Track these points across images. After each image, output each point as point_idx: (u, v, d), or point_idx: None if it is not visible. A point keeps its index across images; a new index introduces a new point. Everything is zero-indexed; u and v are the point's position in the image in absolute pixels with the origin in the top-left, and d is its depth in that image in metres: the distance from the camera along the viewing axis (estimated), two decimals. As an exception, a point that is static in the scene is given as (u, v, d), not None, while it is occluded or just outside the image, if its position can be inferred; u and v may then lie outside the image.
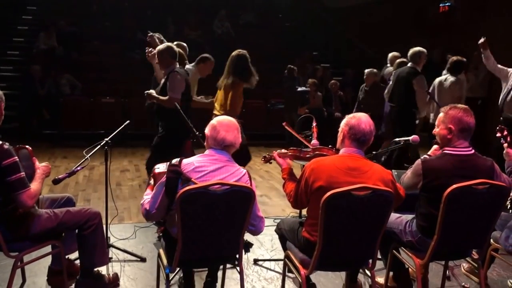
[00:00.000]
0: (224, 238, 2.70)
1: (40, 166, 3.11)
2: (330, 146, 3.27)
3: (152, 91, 4.81)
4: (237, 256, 2.84)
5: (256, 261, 3.95)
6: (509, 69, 5.80)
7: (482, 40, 5.85)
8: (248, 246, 2.98)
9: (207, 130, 2.79)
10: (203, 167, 2.65)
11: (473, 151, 2.95)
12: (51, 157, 7.71)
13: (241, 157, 4.15)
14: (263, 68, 9.79)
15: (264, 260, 3.97)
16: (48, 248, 3.19)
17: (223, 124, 2.76)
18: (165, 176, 2.66)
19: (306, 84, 9.63)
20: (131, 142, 8.79)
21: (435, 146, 3.21)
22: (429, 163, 2.93)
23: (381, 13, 12.61)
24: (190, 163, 2.67)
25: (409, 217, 3.18)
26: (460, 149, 2.92)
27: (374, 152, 3.67)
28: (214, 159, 2.70)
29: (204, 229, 2.61)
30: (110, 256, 3.87)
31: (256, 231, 2.87)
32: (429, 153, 3.23)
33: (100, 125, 8.78)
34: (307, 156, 3.24)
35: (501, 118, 5.62)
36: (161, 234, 2.94)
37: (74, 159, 6.97)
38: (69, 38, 11.52)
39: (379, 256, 3.40)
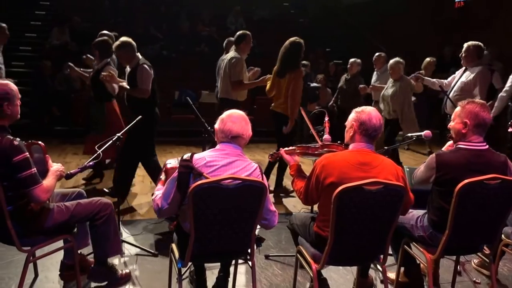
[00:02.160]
0: (236, 232, 2.74)
1: (55, 165, 3.15)
2: (339, 142, 3.30)
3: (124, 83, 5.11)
4: (249, 250, 2.89)
5: (267, 257, 4.00)
6: (455, 73, 5.88)
7: (414, 76, 6.05)
8: (260, 240, 3.01)
9: (216, 125, 2.84)
10: (215, 161, 2.70)
11: (487, 146, 2.99)
12: (61, 153, 7.83)
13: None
14: (273, 64, 9.81)
15: (276, 256, 4.01)
16: (60, 243, 3.24)
17: (231, 116, 2.82)
18: (176, 171, 2.72)
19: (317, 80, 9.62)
20: (142, 138, 8.86)
21: (449, 142, 3.24)
22: (443, 157, 2.97)
23: (395, 9, 12.56)
24: (201, 157, 2.71)
25: (420, 212, 3.22)
26: (474, 144, 2.95)
27: (386, 148, 3.72)
28: (225, 154, 2.75)
29: (216, 224, 2.65)
30: (122, 251, 3.95)
31: (268, 225, 2.92)
32: (443, 148, 3.25)
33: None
34: (316, 152, 3.28)
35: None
36: (173, 229, 2.99)
37: (85, 156, 7.07)
38: (82, 34, 11.64)
39: (390, 251, 3.46)
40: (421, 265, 3.34)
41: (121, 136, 3.89)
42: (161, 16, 13.32)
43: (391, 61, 6.54)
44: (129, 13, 13.19)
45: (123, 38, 5.06)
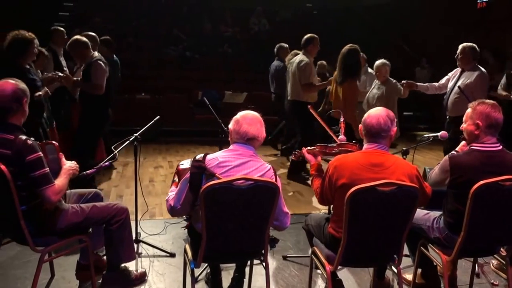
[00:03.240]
0: (248, 233, 2.75)
1: (68, 164, 3.18)
2: (354, 141, 3.29)
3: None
4: (263, 251, 2.89)
5: (285, 257, 4.00)
6: (449, 74, 5.74)
7: (405, 82, 5.86)
8: (274, 241, 3.03)
9: (230, 125, 2.86)
10: (227, 162, 2.72)
11: (501, 147, 2.97)
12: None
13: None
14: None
15: (294, 256, 4.01)
16: (76, 243, 3.25)
17: (246, 117, 2.82)
18: (189, 172, 2.74)
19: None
20: (166, 138, 8.99)
21: (463, 143, 3.20)
22: (456, 159, 2.94)
23: (416, 10, 12.41)
24: (214, 158, 2.73)
25: (437, 213, 3.19)
26: (487, 145, 2.93)
27: (404, 149, 3.70)
28: (238, 154, 2.76)
29: (228, 224, 2.67)
30: (140, 251, 4.02)
31: (281, 227, 2.92)
32: (457, 149, 3.23)
33: (134, 122, 8.99)
34: (333, 152, 3.28)
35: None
36: (186, 229, 3.02)
37: (107, 155, 7.20)
38: (104, 35, 11.81)
39: (407, 253, 3.43)
40: (438, 266, 3.30)
41: (139, 136, 3.95)
42: (184, 17, 13.43)
43: (377, 62, 6.28)
44: (152, 14, 13.33)
45: (74, 37, 5.29)
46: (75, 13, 13.58)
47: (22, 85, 2.94)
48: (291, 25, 14.43)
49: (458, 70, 5.58)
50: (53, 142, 3.25)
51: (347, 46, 5.53)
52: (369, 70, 7.27)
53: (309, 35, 6.32)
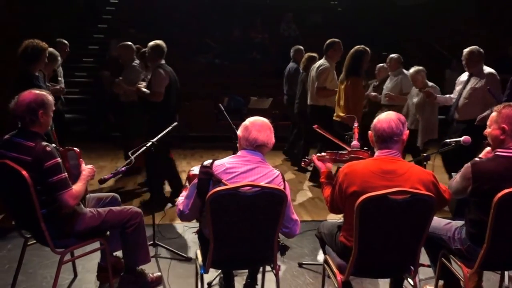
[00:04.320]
0: (256, 240, 2.64)
1: (86, 168, 3.21)
2: (365, 148, 3.12)
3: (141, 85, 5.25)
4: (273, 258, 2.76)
5: (300, 265, 3.86)
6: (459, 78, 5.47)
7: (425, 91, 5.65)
8: (284, 249, 2.90)
9: (239, 131, 2.76)
10: (234, 168, 2.62)
11: None
12: (114, 158, 8.00)
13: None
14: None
15: (310, 264, 3.86)
16: (96, 245, 3.26)
17: (255, 124, 2.72)
18: (197, 177, 2.66)
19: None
20: (192, 144, 8.97)
21: (487, 149, 2.97)
22: (479, 166, 2.72)
23: (449, 10, 12.04)
24: (221, 164, 2.64)
25: (458, 223, 2.99)
26: None
27: (424, 154, 3.51)
28: (246, 160, 2.66)
29: (235, 231, 2.57)
30: (158, 254, 3.97)
31: (290, 234, 2.79)
32: (480, 155, 3.00)
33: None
34: (344, 159, 3.12)
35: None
36: (196, 234, 2.94)
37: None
38: (138, 44, 11.94)
39: (427, 263, 3.24)
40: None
41: (155, 142, 3.89)
42: (214, 25, 13.45)
43: (411, 71, 6.11)
44: (184, 23, 13.39)
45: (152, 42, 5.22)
46: (113, 25, 13.80)
47: (42, 98, 2.94)
48: (321, 29, 14.25)
49: (465, 74, 5.35)
50: (75, 148, 3.28)
51: (355, 47, 5.35)
52: (405, 71, 7.00)
53: (330, 40, 6.17)
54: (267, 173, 2.64)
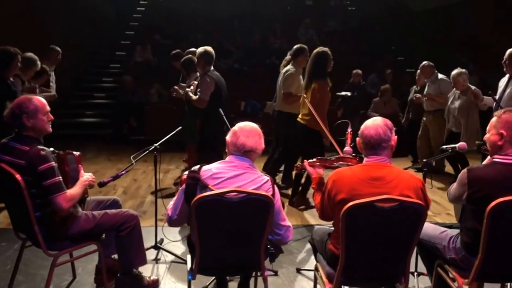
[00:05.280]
0: (243, 246, 2.53)
1: (85, 175, 3.15)
2: (354, 154, 2.97)
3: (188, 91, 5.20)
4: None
5: (298, 270, 3.72)
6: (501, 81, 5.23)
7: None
8: (273, 255, 2.76)
9: (228, 136, 2.65)
10: (221, 173, 2.51)
11: None
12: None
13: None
14: (342, 74, 9.47)
15: (307, 270, 3.72)
16: (96, 247, 3.17)
17: (244, 129, 2.62)
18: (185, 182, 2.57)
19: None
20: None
21: (489, 157, 2.78)
22: (475, 172, 2.54)
23: (468, 14, 11.66)
24: (209, 169, 2.54)
25: (454, 232, 2.81)
26: None
27: (424, 160, 3.34)
28: (233, 166, 2.55)
29: (221, 237, 2.47)
30: (158, 257, 3.90)
31: (281, 241, 2.67)
32: (484, 162, 2.81)
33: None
34: (333, 165, 2.98)
35: None
36: (186, 239, 2.84)
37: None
38: (163, 51, 11.97)
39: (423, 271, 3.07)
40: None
41: (158, 146, 3.83)
42: (235, 31, 13.40)
43: (454, 73, 6.00)
44: (206, 29, 13.39)
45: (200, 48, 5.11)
46: (139, 31, 13.93)
47: (22, 103, 2.87)
48: (339, 35, 14.07)
49: (506, 77, 5.13)
50: (74, 152, 3.21)
51: (316, 49, 5.03)
52: (440, 76, 6.82)
53: (299, 45, 5.83)
54: (255, 179, 2.53)
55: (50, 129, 3.02)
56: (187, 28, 13.46)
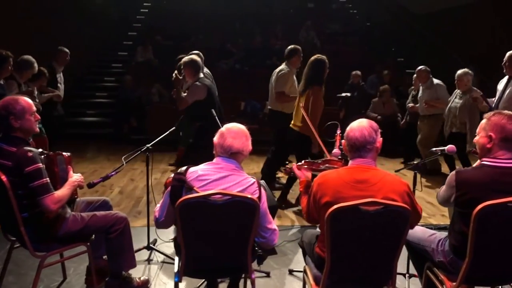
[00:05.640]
0: (228, 249, 2.48)
1: (74, 176, 3.10)
2: (339, 157, 2.92)
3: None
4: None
5: (291, 271, 3.67)
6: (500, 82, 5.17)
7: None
8: (261, 258, 2.72)
9: (215, 138, 2.61)
10: (207, 175, 2.47)
11: None
12: (131, 160, 7.94)
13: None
14: (343, 75, 9.42)
15: (300, 272, 3.66)
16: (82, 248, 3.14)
17: (231, 131, 2.57)
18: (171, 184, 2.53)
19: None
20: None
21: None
22: (463, 174, 2.49)
23: (468, 17, 11.57)
24: (195, 171, 2.50)
25: (443, 234, 2.75)
26: (501, 160, 2.45)
27: (415, 162, 3.28)
28: (219, 168, 2.50)
29: (206, 240, 2.42)
30: (151, 258, 3.85)
31: (267, 243, 2.62)
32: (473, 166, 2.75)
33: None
34: (319, 168, 2.93)
35: None
36: (173, 241, 2.80)
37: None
38: (164, 51, 11.95)
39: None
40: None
41: (150, 147, 3.79)
42: (237, 32, 13.36)
43: (459, 72, 5.95)
44: (208, 30, 13.36)
45: (187, 56, 5.04)
46: (143, 33, 13.90)
47: (8, 104, 2.83)
48: (340, 37, 14.00)
49: (505, 78, 5.08)
50: (64, 153, 3.16)
51: (314, 56, 5.01)
52: (435, 81, 6.77)
53: (293, 46, 5.84)
54: (241, 181, 2.48)
55: (37, 129, 2.99)
56: (189, 29, 13.43)
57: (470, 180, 2.44)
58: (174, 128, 4.17)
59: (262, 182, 4.42)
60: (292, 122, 5.17)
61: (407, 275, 3.50)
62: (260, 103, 9.75)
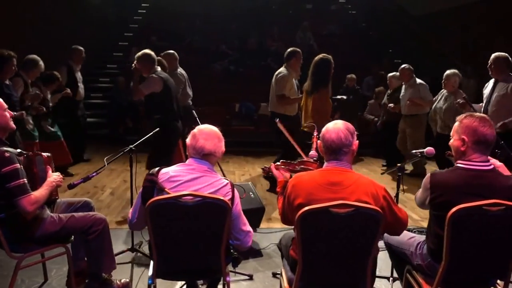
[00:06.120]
0: (200, 251, 2.47)
1: (52, 176, 3.09)
2: (314, 159, 2.90)
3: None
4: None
5: (274, 274, 3.66)
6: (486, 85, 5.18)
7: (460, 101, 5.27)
8: (236, 260, 2.70)
9: (188, 139, 2.60)
10: (178, 176, 2.46)
11: (492, 166, 2.45)
12: (126, 161, 7.91)
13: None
14: (339, 77, 9.40)
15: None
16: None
17: (203, 132, 2.57)
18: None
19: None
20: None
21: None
22: (437, 177, 2.48)
23: (465, 19, 11.56)
24: (166, 172, 2.50)
25: (422, 237, 2.74)
26: (475, 163, 2.43)
27: (399, 165, 3.28)
28: (191, 169, 2.50)
29: (177, 241, 2.42)
30: (135, 259, 3.83)
31: (241, 246, 2.61)
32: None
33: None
34: (295, 169, 2.92)
35: None
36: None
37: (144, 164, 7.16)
38: (159, 52, 11.94)
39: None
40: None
41: (133, 148, 3.78)
42: (233, 33, 13.35)
43: (448, 72, 5.96)
44: (204, 31, 13.36)
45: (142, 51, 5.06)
46: (139, 34, 13.92)
47: None
48: (337, 38, 13.98)
49: (491, 81, 5.08)
50: (42, 154, 3.16)
51: (320, 56, 5.03)
52: (418, 80, 6.78)
53: (292, 48, 5.88)
54: (213, 183, 2.47)
55: (14, 126, 2.99)
56: (184, 30, 13.44)
57: (444, 182, 2.43)
58: (158, 129, 4.13)
59: (250, 184, 4.48)
60: (304, 124, 5.19)
61: (391, 278, 3.49)
62: (254, 105, 9.75)
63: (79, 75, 6.96)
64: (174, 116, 5.10)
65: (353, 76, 9.19)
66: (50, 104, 6.22)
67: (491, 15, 10.95)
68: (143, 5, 16.31)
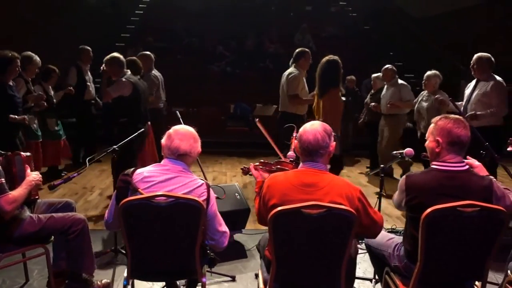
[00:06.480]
0: (174, 252, 2.46)
1: (31, 175, 3.09)
2: (291, 159, 2.90)
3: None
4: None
5: (257, 276, 3.64)
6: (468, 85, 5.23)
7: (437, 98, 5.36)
8: (212, 261, 2.70)
9: (163, 139, 2.60)
10: (152, 177, 2.46)
11: (466, 167, 2.45)
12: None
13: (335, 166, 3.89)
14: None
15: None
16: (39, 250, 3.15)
17: (178, 132, 2.57)
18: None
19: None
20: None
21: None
22: (412, 178, 2.49)
23: (464, 21, 11.55)
24: (141, 172, 2.50)
25: (400, 239, 2.74)
26: (449, 164, 2.44)
27: (382, 166, 3.27)
28: (165, 169, 2.50)
29: (150, 242, 2.42)
30: (117, 260, 3.84)
31: (217, 246, 2.61)
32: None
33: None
34: (272, 169, 2.92)
35: None
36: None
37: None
38: (156, 53, 11.96)
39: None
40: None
41: (117, 148, 3.78)
42: (231, 35, 13.37)
43: (429, 72, 6.00)
44: (202, 32, 13.38)
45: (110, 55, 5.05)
46: (136, 34, 13.94)
47: None
48: (337, 40, 13.97)
49: (473, 82, 5.14)
50: (21, 153, 3.17)
51: (326, 57, 5.01)
52: (400, 81, 6.83)
53: (301, 49, 5.97)
54: (188, 183, 2.47)
55: None
56: (182, 32, 13.46)
57: (418, 184, 2.44)
58: (143, 130, 4.13)
59: (236, 185, 4.48)
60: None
61: (373, 280, 3.48)
62: (250, 106, 9.75)
63: (89, 75, 7.06)
64: (139, 120, 5.09)
65: (353, 77, 9.20)
66: (55, 101, 6.29)
67: (491, 17, 10.95)
68: (140, 5, 16.34)
